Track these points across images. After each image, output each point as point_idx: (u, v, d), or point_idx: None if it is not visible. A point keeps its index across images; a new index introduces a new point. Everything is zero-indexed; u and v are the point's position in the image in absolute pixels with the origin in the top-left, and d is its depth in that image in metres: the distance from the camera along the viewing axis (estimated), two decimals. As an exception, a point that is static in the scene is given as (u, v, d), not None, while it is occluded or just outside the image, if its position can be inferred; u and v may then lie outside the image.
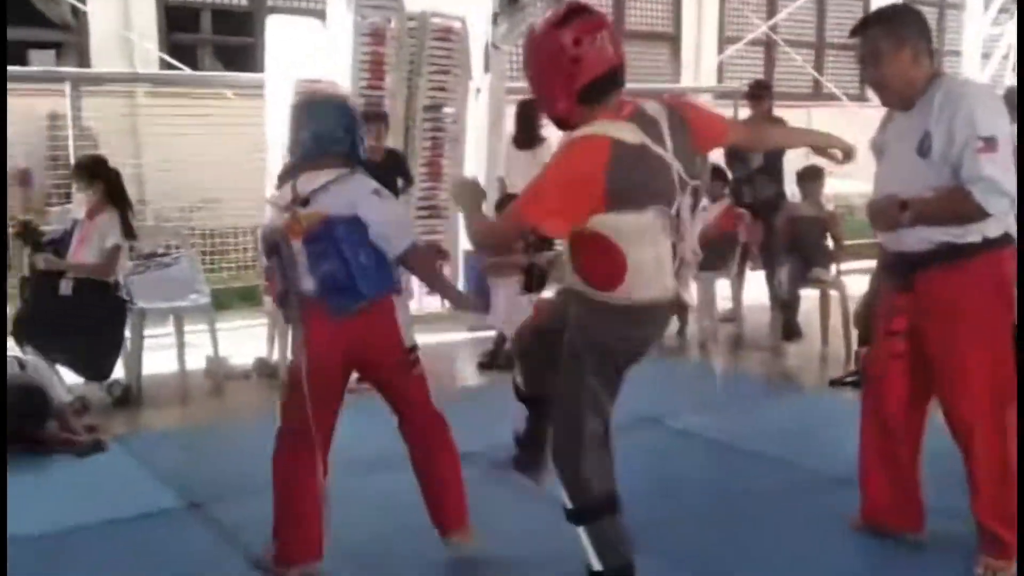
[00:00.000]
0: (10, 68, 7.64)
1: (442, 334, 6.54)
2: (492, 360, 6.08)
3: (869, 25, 3.19)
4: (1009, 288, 3.11)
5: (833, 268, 6.53)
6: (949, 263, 3.07)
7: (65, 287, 5.12)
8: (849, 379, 5.63)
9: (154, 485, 4.10)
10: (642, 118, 2.71)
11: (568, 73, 2.67)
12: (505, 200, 5.45)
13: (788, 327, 6.48)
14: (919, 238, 3.09)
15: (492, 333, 6.30)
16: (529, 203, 2.72)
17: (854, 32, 3.24)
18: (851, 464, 3.86)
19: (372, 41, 6.86)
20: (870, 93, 10.02)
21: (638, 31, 12.05)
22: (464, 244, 7.42)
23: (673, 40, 12.18)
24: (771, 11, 12.64)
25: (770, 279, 6.66)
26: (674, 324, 6.90)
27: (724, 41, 12.33)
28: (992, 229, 3.04)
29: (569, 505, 2.93)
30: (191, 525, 3.72)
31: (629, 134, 2.64)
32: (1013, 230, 3.11)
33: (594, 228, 2.66)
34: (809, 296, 6.60)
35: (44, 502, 3.91)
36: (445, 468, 3.55)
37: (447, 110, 7.26)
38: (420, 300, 7.72)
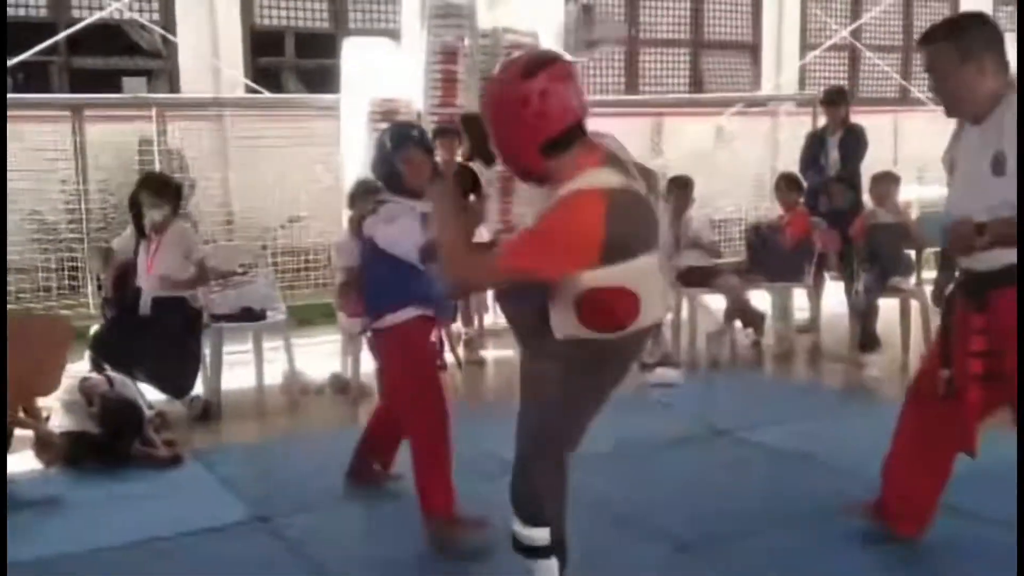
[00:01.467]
0: (101, 95, 8.02)
1: (511, 349, 6.56)
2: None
3: (934, 37, 3.11)
4: None
5: (913, 277, 6.37)
6: (1014, 284, 2.97)
7: (144, 306, 5.30)
8: (929, 391, 5.49)
9: (228, 498, 4.21)
10: (613, 158, 2.69)
11: (532, 127, 2.59)
12: None
13: (866, 337, 6.33)
14: (989, 257, 3.01)
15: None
16: (525, 252, 2.64)
17: (920, 43, 3.16)
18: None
19: (445, 59, 6.97)
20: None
21: (717, 40, 11.97)
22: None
23: (753, 48, 12.05)
24: (854, 16, 12.40)
25: (848, 289, 6.52)
26: (750, 335, 6.84)
27: (806, 48, 12.13)
28: None
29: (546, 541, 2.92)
30: (261, 538, 3.81)
31: (614, 179, 2.61)
32: None
33: (599, 279, 2.62)
34: (889, 305, 6.44)
35: (122, 514, 4.05)
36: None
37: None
38: (495, 314, 7.80)
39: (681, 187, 6.81)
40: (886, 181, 6.41)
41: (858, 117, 7.53)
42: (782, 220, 6.84)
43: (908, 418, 3.47)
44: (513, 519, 2.92)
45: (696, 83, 11.87)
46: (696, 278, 6.62)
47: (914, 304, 6.27)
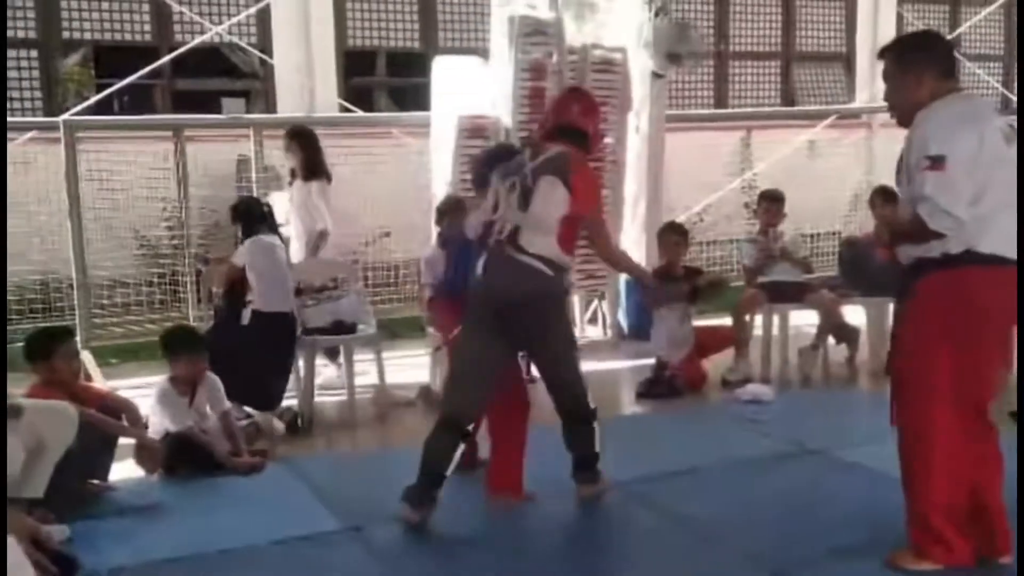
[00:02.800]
0: (201, 116, 8.29)
1: (603, 362, 6.57)
2: (649, 389, 6.06)
3: (884, 51, 3.47)
4: (962, 301, 3.19)
5: None
6: (920, 275, 3.27)
7: (244, 316, 5.47)
8: (1032, 410, 5.30)
9: (320, 508, 4.29)
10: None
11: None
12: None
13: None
14: (905, 253, 3.34)
15: (651, 361, 6.28)
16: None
17: (879, 57, 3.51)
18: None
19: (533, 76, 7.01)
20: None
21: (809, 52, 11.81)
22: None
23: (847, 59, 11.85)
24: (953, 24, 12.09)
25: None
26: (843, 351, 6.70)
27: (902, 58, 11.86)
28: (953, 246, 3.16)
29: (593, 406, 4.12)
30: (353, 548, 3.89)
31: None
32: (987, 248, 3.15)
33: None
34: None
35: (218, 521, 4.17)
36: None
37: (607, 140, 7.31)
38: (583, 328, 7.81)
39: (771, 201, 6.72)
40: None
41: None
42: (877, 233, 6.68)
43: None
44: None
45: (788, 95, 11.71)
46: (788, 293, 6.52)
47: None
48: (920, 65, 3.31)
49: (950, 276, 3.20)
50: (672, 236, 6.45)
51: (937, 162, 3.08)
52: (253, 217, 5.70)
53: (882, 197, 6.73)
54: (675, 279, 6.24)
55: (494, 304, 3.98)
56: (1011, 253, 3.20)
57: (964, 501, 3.37)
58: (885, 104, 3.51)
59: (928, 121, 3.21)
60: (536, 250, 3.92)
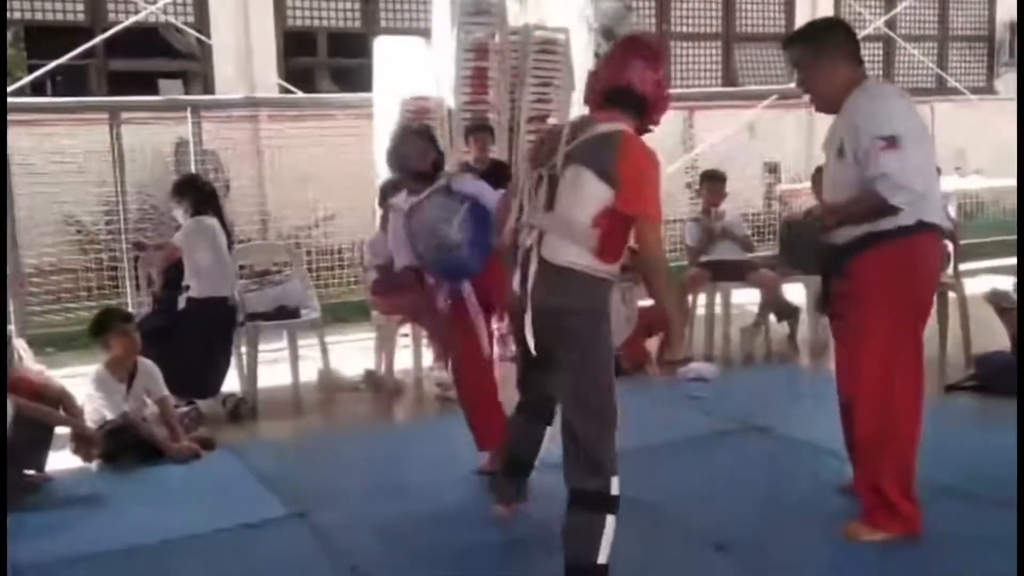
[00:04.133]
0: (137, 98, 8.13)
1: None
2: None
3: (792, 40, 3.63)
4: (917, 268, 3.41)
5: (950, 268, 6.28)
6: (868, 249, 3.36)
7: (180, 302, 5.37)
8: (967, 384, 5.43)
9: (265, 494, 4.24)
10: None
11: None
12: None
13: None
14: (846, 231, 3.42)
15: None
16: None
17: (782, 46, 3.72)
18: (965, 472, 3.75)
19: (475, 56, 6.99)
20: (998, 85, 9.61)
21: (749, 33, 11.90)
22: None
23: (787, 40, 11.96)
24: (889, 5, 12.26)
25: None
26: (784, 329, 6.79)
27: (840, 38, 12.02)
28: (905, 218, 3.31)
29: (614, 491, 3.11)
30: (298, 533, 3.84)
31: None
32: (930, 217, 3.37)
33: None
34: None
35: (160, 510, 4.11)
36: None
37: (551, 121, 7.31)
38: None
39: (713, 181, 6.78)
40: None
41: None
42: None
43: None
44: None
45: (728, 76, 11.80)
46: (729, 272, 6.58)
47: (951, 296, 6.18)
48: (833, 51, 3.45)
49: (905, 244, 3.34)
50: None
51: (891, 141, 3.22)
52: (199, 195, 5.55)
53: (823, 176, 6.83)
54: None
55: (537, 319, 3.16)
56: (943, 221, 3.58)
57: (914, 466, 3.47)
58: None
59: (872, 103, 3.34)
60: (564, 260, 3.08)
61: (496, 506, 3.87)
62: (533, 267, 3.11)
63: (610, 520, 3.08)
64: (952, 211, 6.67)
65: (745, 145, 9.95)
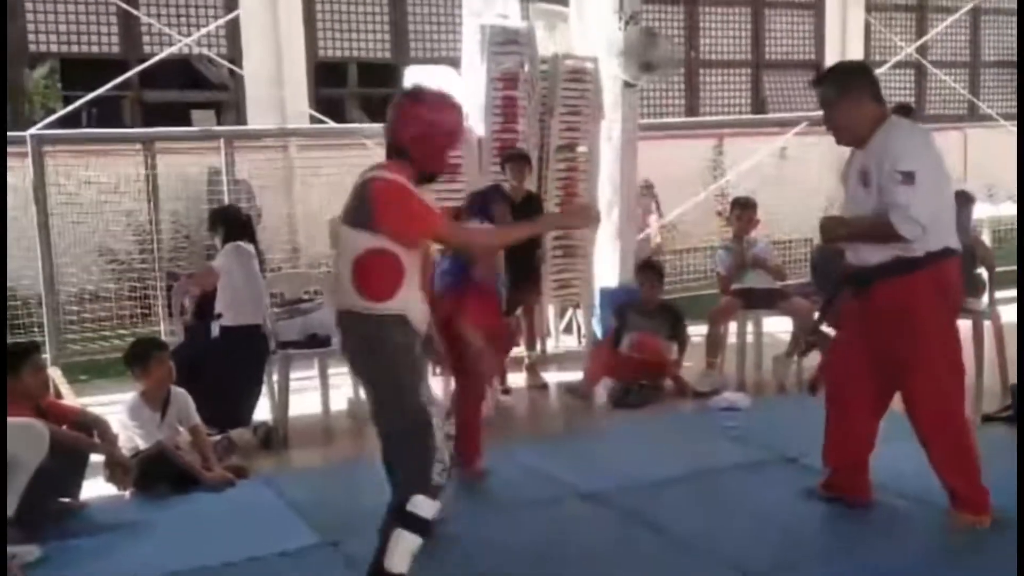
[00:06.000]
0: (171, 128, 8.23)
1: (577, 372, 6.55)
2: (623, 397, 6.06)
3: (820, 80, 3.99)
4: (950, 292, 3.82)
5: (985, 297, 6.21)
6: (900, 274, 3.72)
7: (214, 330, 5.41)
8: (1004, 414, 5.35)
9: (297, 523, 4.25)
10: None
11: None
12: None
13: (939, 360, 6.19)
14: (877, 253, 3.78)
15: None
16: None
17: (813, 84, 4.09)
18: (1002, 500, 3.70)
19: (505, 86, 7.00)
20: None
21: (778, 60, 11.90)
22: (602, 281, 7.46)
23: (816, 67, 11.93)
24: (920, 32, 12.23)
25: (918, 310, 6.39)
26: (817, 358, 6.71)
27: (870, 65, 12.00)
28: (933, 244, 3.70)
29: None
30: (329, 562, 3.86)
31: None
32: (952, 243, 3.77)
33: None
34: (963, 327, 6.28)
35: (193, 538, 4.13)
36: None
37: (580, 149, 7.33)
38: (557, 338, 7.81)
39: (744, 208, 6.75)
40: (960, 201, 6.26)
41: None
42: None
43: (828, 403, 4.18)
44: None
45: (758, 103, 11.80)
46: (761, 300, 6.54)
47: (987, 325, 6.11)
48: (858, 90, 3.81)
49: (935, 270, 3.73)
50: (646, 277, 6.52)
51: (908, 177, 3.60)
52: (234, 223, 5.63)
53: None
54: (649, 314, 6.32)
55: None
56: (959, 246, 3.87)
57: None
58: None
59: (897, 139, 3.71)
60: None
61: None
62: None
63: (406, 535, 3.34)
64: (986, 238, 6.59)
65: (775, 172, 9.91)
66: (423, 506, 3.35)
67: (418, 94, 3.57)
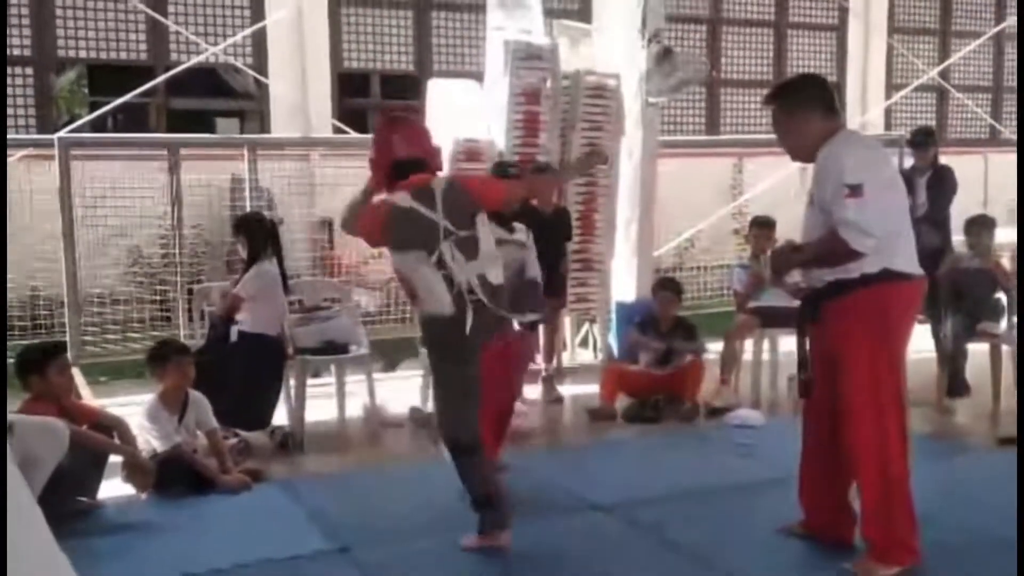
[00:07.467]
0: (194, 135, 8.31)
1: (592, 385, 6.57)
2: (638, 412, 6.07)
3: (770, 97, 3.85)
4: (885, 316, 3.54)
5: (1004, 321, 6.20)
6: (838, 296, 3.56)
7: (232, 334, 5.46)
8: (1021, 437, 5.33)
9: (311, 527, 4.28)
10: (418, 190, 3.84)
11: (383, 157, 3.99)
12: None
13: (954, 383, 6.18)
14: (819, 276, 3.64)
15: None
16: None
17: (764, 103, 3.90)
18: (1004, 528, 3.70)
19: (527, 101, 7.05)
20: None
21: (800, 81, 11.91)
22: (616, 296, 7.48)
23: (837, 89, 11.95)
24: (942, 55, 12.22)
25: (935, 332, 6.38)
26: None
27: (892, 88, 12.00)
28: (869, 266, 3.48)
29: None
30: (342, 568, 3.88)
31: (402, 201, 3.83)
32: (896, 266, 3.52)
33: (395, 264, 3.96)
34: (980, 351, 6.28)
35: (208, 540, 4.16)
36: None
37: (600, 166, 7.36)
38: (573, 352, 7.83)
39: (762, 227, 6.77)
40: (981, 224, 6.28)
41: (947, 158, 7.41)
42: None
43: (804, 433, 3.95)
44: None
45: (779, 124, 11.79)
46: (778, 319, 6.54)
47: (1005, 350, 6.10)
48: (804, 107, 3.66)
49: (872, 293, 3.51)
50: (665, 293, 6.47)
51: (855, 189, 3.41)
52: (259, 235, 5.63)
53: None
54: (660, 331, 6.33)
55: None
56: (916, 270, 3.63)
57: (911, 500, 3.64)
58: (908, 133, 3.94)
59: (841, 154, 3.53)
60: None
61: (504, 533, 3.97)
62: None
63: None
64: (1007, 263, 6.57)
65: (796, 191, 9.91)
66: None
67: (384, 122, 4.23)
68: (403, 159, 3.95)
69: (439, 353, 3.99)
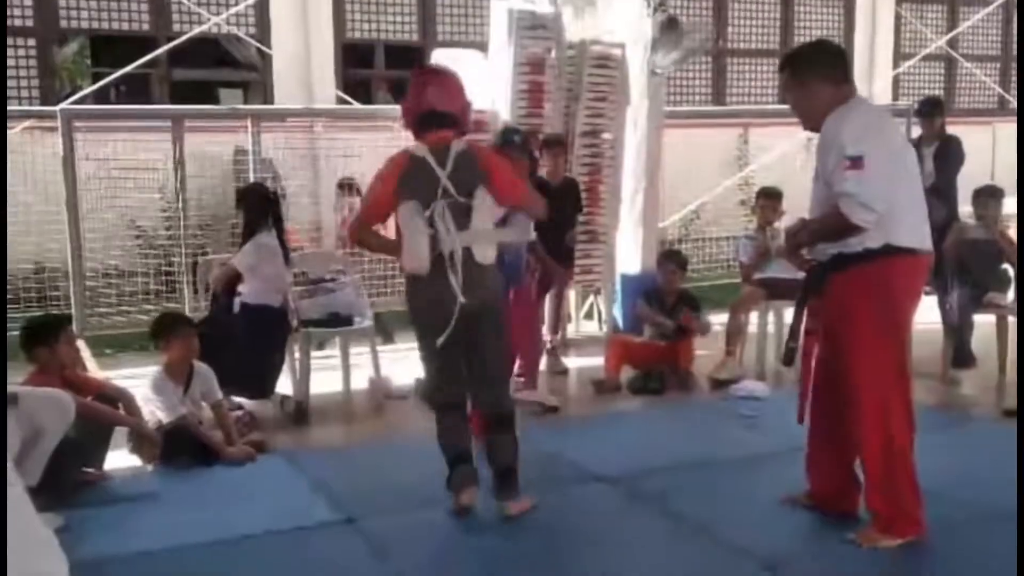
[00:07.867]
0: (198, 106, 8.27)
1: (597, 357, 6.57)
2: (643, 384, 6.06)
3: (783, 64, 3.79)
4: (889, 291, 3.49)
5: (1011, 292, 6.18)
6: (841, 270, 3.52)
7: (235, 305, 5.46)
8: (1026, 410, 5.32)
9: (316, 499, 4.30)
10: (436, 145, 3.87)
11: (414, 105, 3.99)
12: None
13: (960, 354, 6.17)
14: (822, 250, 3.61)
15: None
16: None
17: (779, 70, 3.85)
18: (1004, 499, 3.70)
19: (531, 70, 7.01)
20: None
21: (807, 50, 11.82)
22: (621, 267, 7.46)
23: (844, 58, 11.86)
24: (951, 25, 12.11)
25: (941, 303, 6.36)
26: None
27: (900, 57, 11.90)
28: (872, 240, 3.43)
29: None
30: (347, 538, 3.90)
31: (418, 151, 3.88)
32: (899, 241, 3.45)
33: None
34: (987, 322, 6.26)
35: (213, 511, 4.18)
36: None
37: (605, 136, 7.33)
38: (578, 324, 7.82)
39: (769, 198, 6.73)
40: (989, 194, 6.24)
41: (955, 128, 7.35)
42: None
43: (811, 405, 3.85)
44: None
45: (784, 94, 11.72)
46: (784, 291, 6.52)
47: (1011, 321, 6.08)
48: (816, 74, 3.58)
49: (874, 266, 3.46)
50: (670, 265, 6.46)
51: (856, 161, 3.33)
52: (260, 208, 5.61)
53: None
54: (664, 304, 6.31)
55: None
56: (922, 244, 3.55)
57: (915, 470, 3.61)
58: (916, 103, 3.83)
59: (843, 124, 3.44)
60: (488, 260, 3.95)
61: (464, 493, 4.04)
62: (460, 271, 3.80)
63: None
64: (1013, 234, 6.54)
65: (802, 162, 9.86)
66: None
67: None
68: (431, 112, 3.93)
69: (411, 314, 4.07)
